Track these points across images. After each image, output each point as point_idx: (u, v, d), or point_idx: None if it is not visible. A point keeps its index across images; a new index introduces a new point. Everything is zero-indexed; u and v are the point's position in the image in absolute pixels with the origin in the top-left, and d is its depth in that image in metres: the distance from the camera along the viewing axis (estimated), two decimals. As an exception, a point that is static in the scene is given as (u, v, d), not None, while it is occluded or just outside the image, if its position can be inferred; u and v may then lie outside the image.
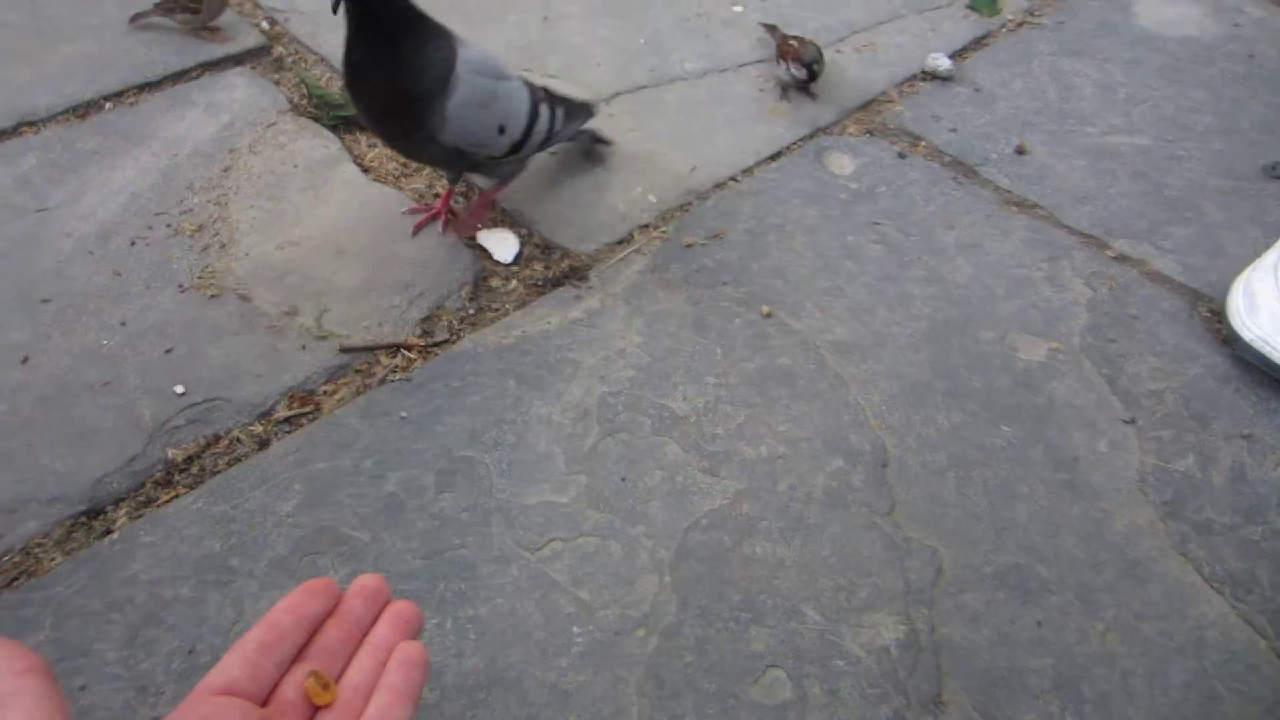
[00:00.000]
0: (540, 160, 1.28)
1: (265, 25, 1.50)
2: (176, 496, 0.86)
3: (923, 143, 1.41)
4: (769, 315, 1.11)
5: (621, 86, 1.46)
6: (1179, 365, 1.08)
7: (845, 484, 0.94)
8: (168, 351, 0.98)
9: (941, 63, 1.55)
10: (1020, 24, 1.72)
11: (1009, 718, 0.77)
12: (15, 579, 0.79)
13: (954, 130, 1.43)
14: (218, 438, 0.91)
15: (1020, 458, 0.97)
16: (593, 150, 1.31)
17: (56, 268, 1.06)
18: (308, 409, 0.95)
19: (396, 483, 0.89)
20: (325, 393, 0.97)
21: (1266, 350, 1.04)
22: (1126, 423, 1.02)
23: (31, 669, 0.33)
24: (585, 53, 1.52)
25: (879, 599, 0.85)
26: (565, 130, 1.16)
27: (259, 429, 0.93)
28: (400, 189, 1.23)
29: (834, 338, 1.09)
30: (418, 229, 1.15)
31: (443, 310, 1.07)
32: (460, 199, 1.23)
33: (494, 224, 1.19)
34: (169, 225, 1.13)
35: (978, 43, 1.65)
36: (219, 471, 0.89)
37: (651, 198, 1.26)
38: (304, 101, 1.35)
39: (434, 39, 0.94)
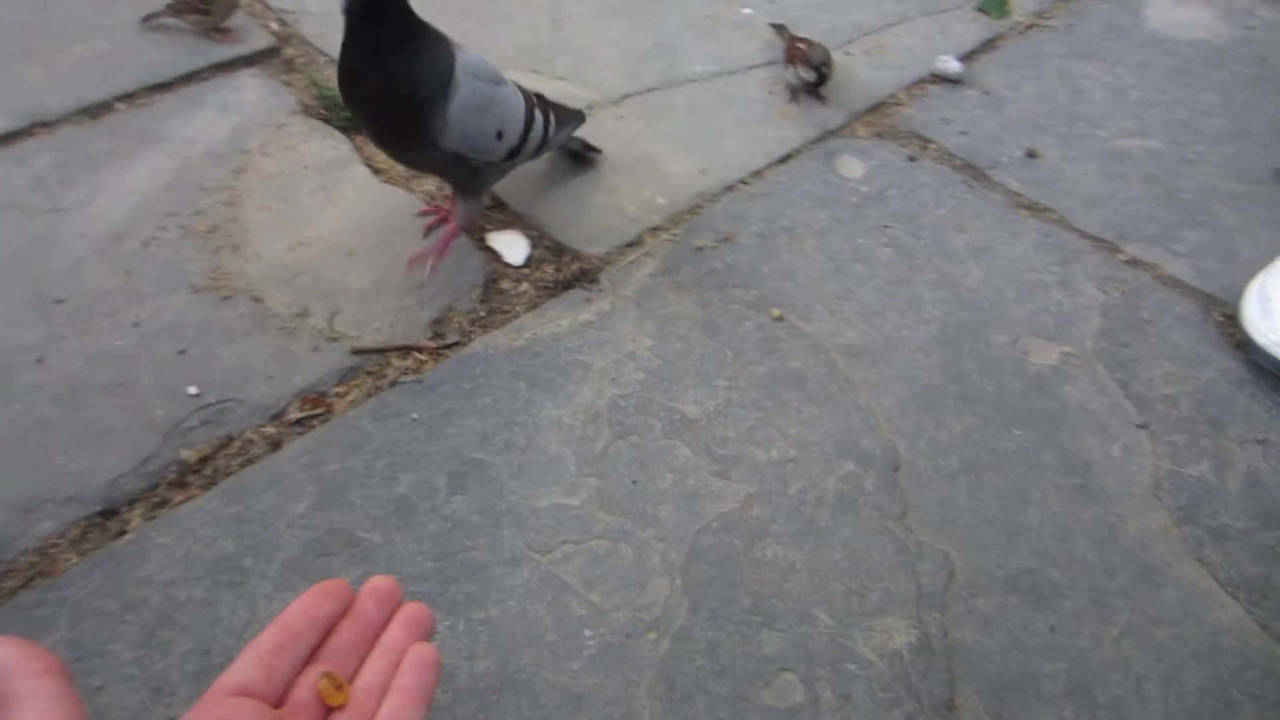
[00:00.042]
0: (550, 163, 1.28)
1: (275, 26, 1.50)
2: (190, 497, 0.86)
3: (933, 146, 1.41)
4: (779, 318, 1.10)
5: (631, 88, 1.46)
6: (1192, 370, 1.08)
7: (857, 488, 0.93)
8: (181, 352, 0.99)
9: (951, 65, 1.54)
10: (1030, 26, 1.71)
11: (1022, 723, 0.77)
12: (31, 579, 0.79)
13: (964, 133, 1.43)
14: (231, 439, 0.92)
15: (1032, 462, 0.97)
16: (584, 157, 1.30)
17: (70, 268, 1.06)
18: (320, 410, 0.95)
19: (408, 484, 0.89)
20: (337, 394, 0.97)
21: (1281, 355, 1.04)
22: (1140, 427, 1.01)
23: (49, 669, 0.33)
24: (594, 54, 1.52)
25: (891, 603, 0.84)
26: (558, 137, 1.16)
27: (271, 430, 0.93)
28: (411, 190, 1.23)
29: (845, 341, 1.09)
30: (428, 230, 1.16)
31: (453, 312, 1.08)
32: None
33: (504, 226, 1.19)
34: (181, 226, 1.13)
35: (987, 45, 1.65)
36: (232, 473, 0.89)
37: (661, 200, 1.26)
38: (314, 102, 1.35)
39: (432, 43, 0.93)
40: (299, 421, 0.94)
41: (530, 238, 1.18)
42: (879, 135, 1.42)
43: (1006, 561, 0.88)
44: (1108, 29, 1.71)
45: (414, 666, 0.40)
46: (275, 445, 0.92)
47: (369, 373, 1.00)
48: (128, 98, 1.32)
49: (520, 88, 1.07)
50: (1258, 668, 0.82)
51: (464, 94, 0.94)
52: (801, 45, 1.44)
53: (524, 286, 1.12)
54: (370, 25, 0.87)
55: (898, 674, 0.79)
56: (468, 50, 0.97)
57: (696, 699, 0.77)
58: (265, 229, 1.14)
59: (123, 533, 0.83)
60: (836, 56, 1.46)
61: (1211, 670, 0.81)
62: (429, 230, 1.15)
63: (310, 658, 0.40)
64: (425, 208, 1.19)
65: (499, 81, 1.02)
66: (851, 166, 1.35)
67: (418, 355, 1.02)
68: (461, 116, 0.95)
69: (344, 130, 1.31)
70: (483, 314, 1.08)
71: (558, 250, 1.17)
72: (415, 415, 0.95)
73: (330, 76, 1.40)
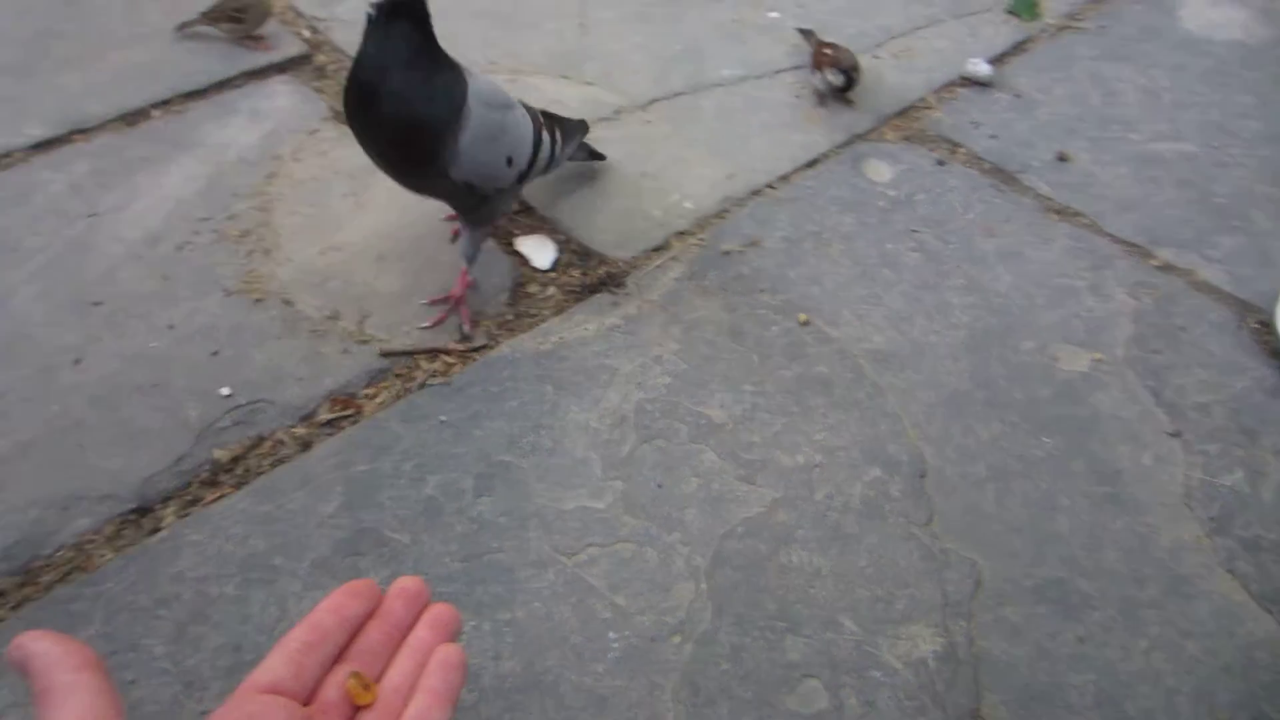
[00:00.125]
0: (577, 169, 1.29)
1: (307, 34, 1.52)
2: (222, 496, 0.88)
3: (962, 149, 1.40)
4: (806, 323, 1.10)
5: (658, 93, 1.46)
6: (1226, 378, 1.06)
7: (883, 494, 0.93)
8: (214, 354, 1.00)
9: (981, 68, 1.53)
10: (1061, 29, 1.70)
11: (1050, 733, 0.77)
12: (68, 574, 0.81)
13: (994, 137, 1.42)
14: (262, 439, 0.93)
15: (1061, 470, 0.96)
16: (588, 168, 1.30)
17: (107, 272, 1.08)
18: (349, 412, 0.96)
19: (436, 486, 0.90)
20: (366, 396, 0.99)
21: (1317, 363, 1.02)
22: (1172, 436, 1.00)
23: (87, 664, 0.34)
24: (622, 59, 1.52)
25: (917, 610, 0.84)
26: (565, 152, 1.14)
27: (302, 431, 0.94)
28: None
29: (872, 346, 1.08)
30: (455, 235, 1.17)
31: (481, 316, 1.08)
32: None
33: (532, 230, 1.20)
34: (214, 231, 1.15)
35: (1018, 48, 1.64)
36: (263, 472, 0.90)
37: (688, 205, 1.26)
38: (346, 108, 1.37)
39: (447, 70, 0.90)
40: (329, 422, 0.95)
41: (557, 242, 1.18)
42: (907, 139, 1.41)
43: (1035, 570, 0.87)
44: (1141, 30, 1.69)
45: (440, 667, 0.41)
46: (305, 446, 0.93)
47: (398, 375, 1.01)
48: (163, 105, 1.34)
49: (527, 107, 1.05)
50: (1293, 681, 0.81)
51: (475, 124, 0.92)
52: (828, 50, 1.43)
53: (551, 290, 1.13)
54: (391, 38, 0.84)
55: (923, 682, 0.79)
56: (478, 76, 0.95)
57: (720, 703, 0.77)
58: (297, 233, 1.16)
59: (156, 530, 0.85)
60: (864, 60, 1.45)
61: (1244, 685, 0.80)
62: (455, 236, 1.17)
63: (339, 657, 0.40)
64: (451, 213, 1.20)
65: (508, 106, 1.00)
66: (879, 170, 1.35)
67: (446, 358, 1.03)
68: (473, 147, 0.92)
69: (374, 135, 1.32)
70: (510, 317, 1.09)
71: (585, 254, 1.18)
72: (443, 417, 0.96)
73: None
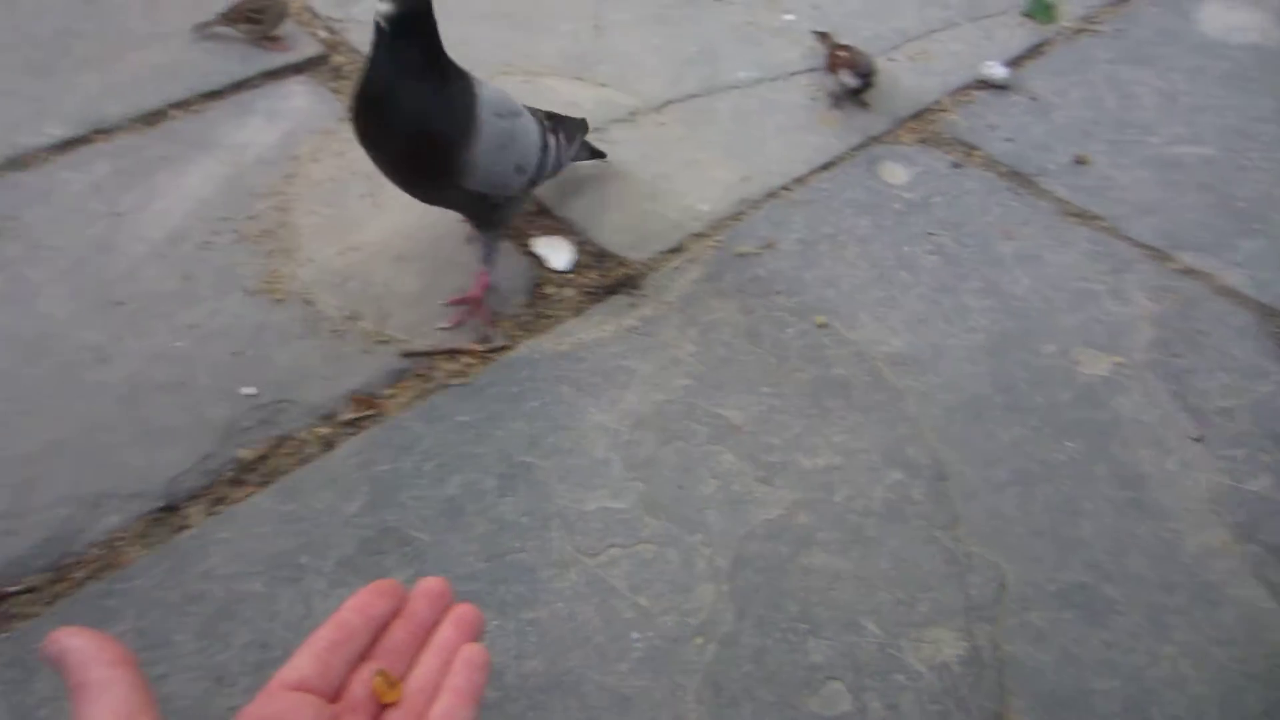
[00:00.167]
0: (594, 169, 1.29)
1: (324, 34, 1.53)
2: (248, 495, 0.88)
3: (978, 152, 1.40)
4: (823, 325, 1.10)
5: (673, 95, 1.46)
6: (1250, 382, 1.06)
7: (904, 497, 0.93)
8: (236, 354, 1.01)
9: (997, 71, 1.53)
10: (1078, 32, 1.69)
11: (1074, 738, 0.76)
12: (99, 570, 0.82)
13: (1010, 140, 1.42)
14: (285, 438, 0.93)
15: (1084, 474, 0.96)
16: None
17: (130, 271, 1.09)
18: (371, 412, 0.97)
19: (457, 486, 0.90)
20: (387, 396, 0.99)
21: (1340, 367, 1.02)
22: (1195, 440, 1.00)
23: (121, 660, 0.34)
24: (637, 61, 1.53)
25: (940, 614, 0.84)
26: (569, 152, 1.14)
27: (325, 430, 0.95)
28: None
29: (890, 349, 1.08)
30: (470, 236, 1.17)
31: (500, 316, 1.09)
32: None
33: (549, 232, 1.20)
34: (235, 230, 1.16)
35: (1034, 51, 1.64)
36: (287, 471, 0.90)
37: (704, 207, 1.26)
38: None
39: (458, 80, 0.90)
40: (351, 422, 0.96)
41: (575, 244, 1.19)
42: (923, 142, 1.41)
43: (1059, 575, 0.87)
44: (1158, 33, 1.69)
45: (464, 666, 0.41)
46: (328, 445, 0.93)
47: (418, 375, 1.01)
48: (182, 105, 1.35)
49: (531, 111, 1.04)
50: (1319, 688, 0.80)
51: (486, 134, 0.91)
52: (844, 53, 1.43)
53: (568, 292, 1.13)
54: (401, 49, 0.83)
55: (947, 686, 0.79)
56: (486, 84, 0.95)
57: (743, 704, 0.77)
58: (316, 234, 1.16)
59: (184, 528, 0.85)
60: (880, 63, 1.45)
61: (1273, 693, 0.80)
62: (471, 236, 1.17)
63: (364, 655, 0.41)
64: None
65: (516, 113, 0.99)
66: (895, 173, 1.35)
67: (465, 359, 1.03)
68: (485, 157, 0.92)
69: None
70: (528, 318, 1.09)
71: (601, 256, 1.18)
72: (464, 418, 0.97)
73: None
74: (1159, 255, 1.23)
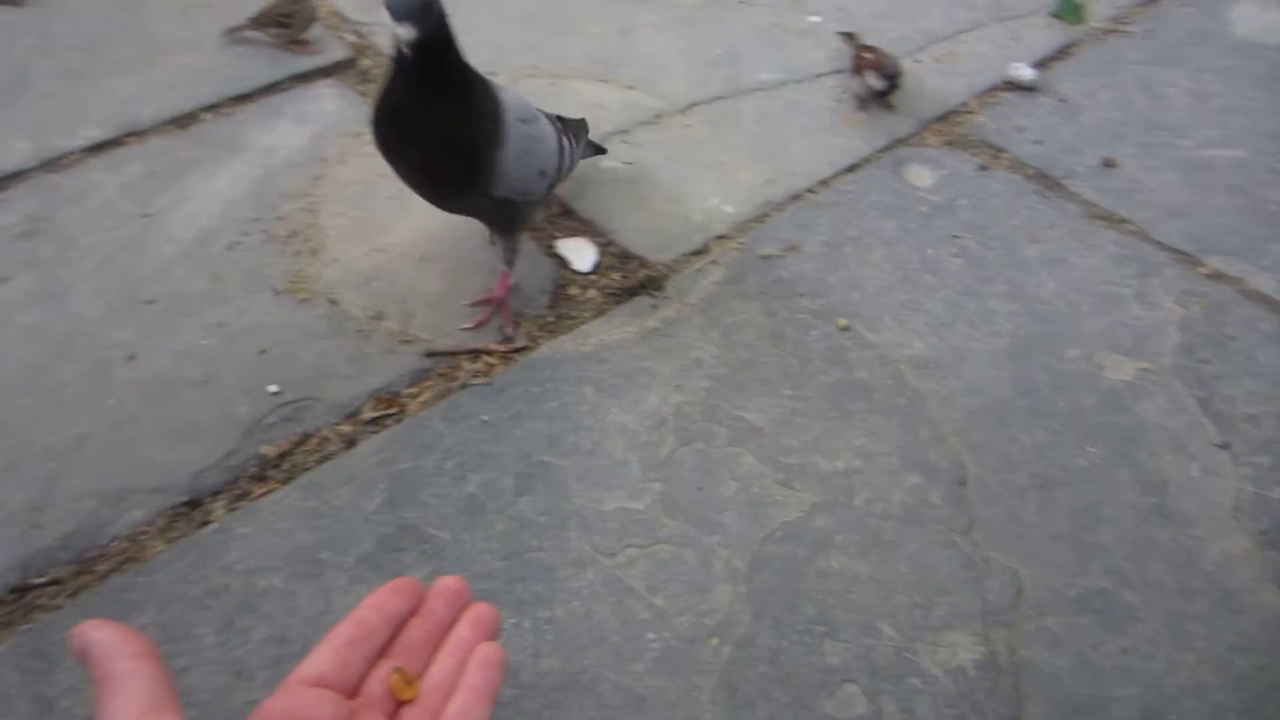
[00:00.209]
0: (618, 171, 1.30)
1: (352, 38, 1.55)
2: (270, 491, 0.89)
3: (1005, 154, 1.38)
4: (846, 328, 1.10)
5: (698, 97, 1.46)
6: (1278, 389, 1.04)
7: (923, 500, 0.92)
8: (262, 352, 1.02)
9: (1025, 72, 1.52)
10: (1107, 32, 1.67)
11: (1093, 745, 0.76)
12: (122, 564, 0.83)
13: (1038, 142, 1.41)
14: (308, 436, 0.95)
15: (1106, 480, 0.95)
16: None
17: (160, 270, 1.11)
18: (393, 410, 0.98)
19: (477, 484, 0.91)
20: (409, 395, 1.00)
21: (1373, 374, 1.00)
22: (1220, 447, 0.98)
23: (145, 652, 0.35)
24: (662, 63, 1.53)
25: (957, 618, 0.83)
26: (578, 153, 1.14)
27: (347, 428, 0.96)
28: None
29: (913, 352, 1.08)
30: (492, 239, 1.18)
31: (522, 317, 1.10)
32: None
33: (573, 233, 1.21)
34: (263, 231, 1.17)
35: (1063, 52, 1.62)
36: (309, 468, 0.92)
37: (728, 209, 1.26)
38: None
39: (483, 89, 0.90)
40: (373, 420, 0.97)
41: (598, 245, 1.19)
42: (949, 144, 1.40)
43: (1078, 581, 0.86)
44: (1190, 34, 1.67)
45: (480, 665, 0.41)
46: (350, 443, 0.95)
47: (440, 375, 1.02)
48: (213, 108, 1.37)
49: (544, 114, 1.05)
50: (1346, 699, 0.79)
51: (513, 140, 0.92)
52: (869, 55, 1.43)
53: (591, 293, 1.14)
54: (425, 66, 0.83)
55: (963, 690, 0.78)
56: (506, 89, 0.95)
57: (759, 706, 0.77)
58: (342, 235, 1.18)
59: (206, 523, 0.87)
60: (906, 64, 1.45)
61: (1296, 700, 0.79)
62: (493, 239, 1.18)
63: (383, 652, 0.41)
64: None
65: (535, 118, 1.00)
66: (921, 175, 1.34)
67: (487, 359, 1.04)
68: (513, 163, 0.93)
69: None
70: (551, 319, 1.10)
71: (625, 257, 1.19)
72: (485, 417, 0.97)
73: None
74: (1187, 259, 1.21)
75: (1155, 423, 1.00)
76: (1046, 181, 1.34)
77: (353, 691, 0.39)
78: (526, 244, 1.17)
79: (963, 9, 1.71)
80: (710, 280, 1.16)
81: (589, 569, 0.85)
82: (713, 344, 1.07)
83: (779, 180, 1.31)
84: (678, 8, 1.67)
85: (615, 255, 1.19)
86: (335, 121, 1.36)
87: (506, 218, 1.02)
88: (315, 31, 1.51)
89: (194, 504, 0.88)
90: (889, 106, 1.45)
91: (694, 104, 1.45)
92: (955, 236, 1.23)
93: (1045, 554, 0.88)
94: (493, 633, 0.44)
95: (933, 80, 1.52)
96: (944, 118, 1.46)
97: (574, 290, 1.14)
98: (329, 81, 1.45)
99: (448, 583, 0.45)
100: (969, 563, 0.87)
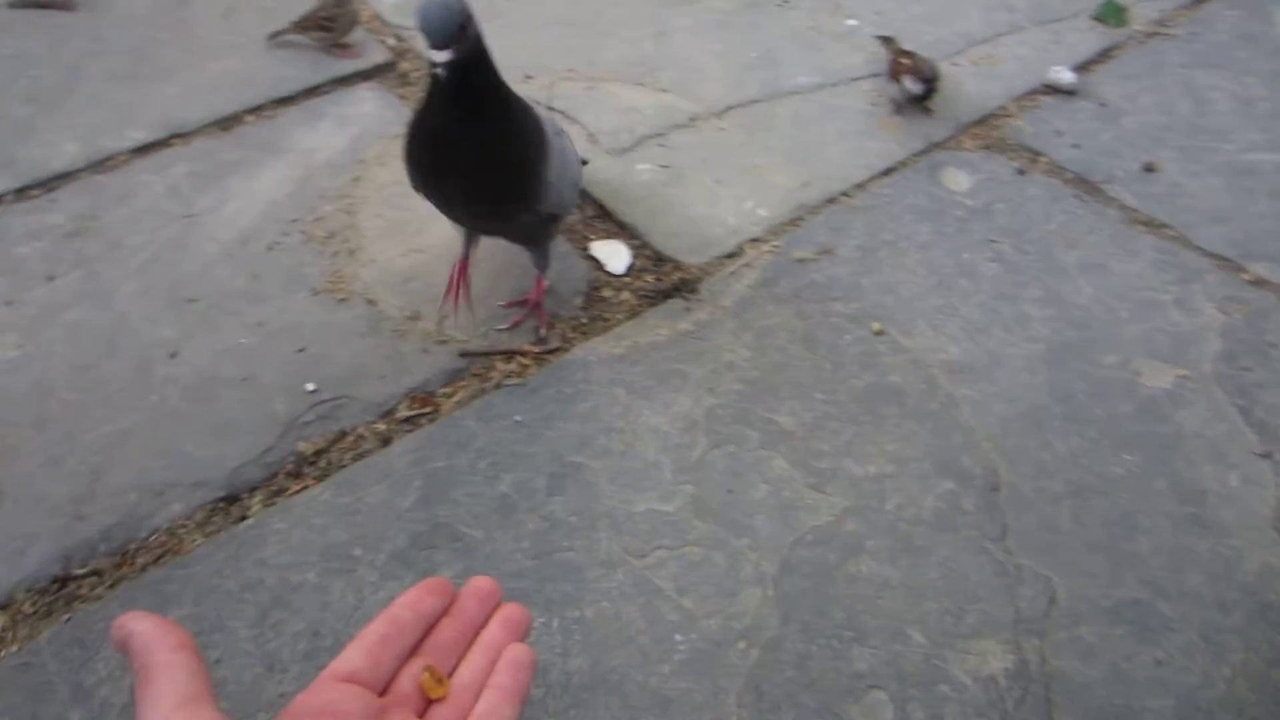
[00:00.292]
0: (651, 174, 1.30)
1: (392, 42, 1.57)
2: (305, 487, 0.91)
3: (1043, 159, 1.37)
4: (880, 333, 1.09)
5: (733, 100, 1.47)
6: (1322, 398, 1.02)
7: (955, 506, 0.92)
8: (300, 351, 1.04)
9: (1064, 76, 1.50)
10: (1150, 35, 1.65)
11: (1126, 758, 0.75)
12: (161, 556, 0.86)
13: (1077, 146, 1.39)
14: (344, 434, 0.97)
15: (1143, 488, 0.93)
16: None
17: (202, 270, 1.13)
18: (428, 410, 0.99)
19: (509, 484, 0.92)
20: (444, 395, 1.01)
21: None
22: (1261, 456, 0.96)
23: (182, 644, 0.36)
24: (697, 66, 1.53)
25: (987, 626, 0.83)
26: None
27: (382, 427, 0.98)
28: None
29: (946, 357, 1.07)
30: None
31: (556, 318, 1.10)
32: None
33: (607, 236, 1.22)
34: (303, 232, 1.20)
35: (1104, 55, 1.60)
36: (345, 466, 0.93)
37: (762, 212, 1.26)
38: (428, 115, 1.40)
39: (517, 106, 0.88)
40: (408, 419, 0.98)
41: (632, 247, 1.20)
42: (987, 148, 1.39)
43: (1112, 590, 0.85)
44: (1235, 37, 1.63)
45: (510, 666, 0.42)
46: (385, 441, 0.96)
47: (475, 375, 1.04)
48: (255, 110, 1.40)
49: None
50: (1390, 718, 0.77)
51: (554, 155, 0.92)
52: (906, 60, 1.42)
53: (625, 295, 1.14)
54: (464, 88, 0.81)
55: (992, 699, 0.78)
56: (536, 104, 0.94)
57: (785, 710, 0.77)
58: (380, 236, 1.20)
59: (244, 518, 0.89)
60: (943, 67, 1.43)
61: (1337, 717, 0.77)
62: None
63: (414, 651, 0.42)
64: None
65: (562, 131, 1.00)
66: (957, 179, 1.33)
67: (521, 359, 1.05)
68: (557, 178, 0.93)
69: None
70: (584, 321, 1.11)
71: (658, 260, 1.19)
72: (518, 417, 0.98)
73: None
74: (1229, 265, 1.19)
75: (1194, 431, 0.99)
76: (1085, 186, 1.32)
77: (383, 688, 0.40)
78: (562, 246, 1.18)
79: (1002, 12, 1.69)
80: (743, 283, 1.16)
81: (618, 570, 0.86)
82: (745, 347, 1.07)
83: (814, 184, 1.31)
84: (714, 11, 1.67)
85: (649, 258, 1.19)
86: (375, 124, 1.38)
87: (545, 233, 1.02)
88: (357, 35, 1.54)
89: (232, 499, 0.90)
90: (926, 110, 1.44)
91: (729, 107, 1.45)
92: (991, 241, 1.22)
93: (1079, 562, 0.87)
94: (523, 633, 0.44)
95: (970, 84, 1.51)
96: (981, 121, 1.44)
97: (608, 292, 1.15)
98: (369, 84, 1.47)
99: (480, 583, 0.45)
100: (1001, 570, 0.87)
